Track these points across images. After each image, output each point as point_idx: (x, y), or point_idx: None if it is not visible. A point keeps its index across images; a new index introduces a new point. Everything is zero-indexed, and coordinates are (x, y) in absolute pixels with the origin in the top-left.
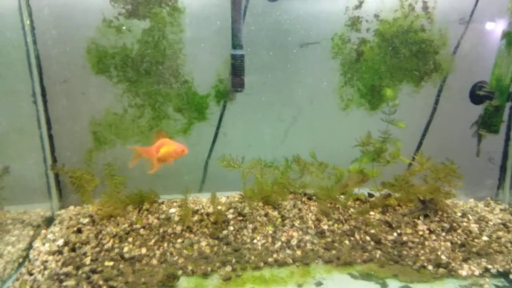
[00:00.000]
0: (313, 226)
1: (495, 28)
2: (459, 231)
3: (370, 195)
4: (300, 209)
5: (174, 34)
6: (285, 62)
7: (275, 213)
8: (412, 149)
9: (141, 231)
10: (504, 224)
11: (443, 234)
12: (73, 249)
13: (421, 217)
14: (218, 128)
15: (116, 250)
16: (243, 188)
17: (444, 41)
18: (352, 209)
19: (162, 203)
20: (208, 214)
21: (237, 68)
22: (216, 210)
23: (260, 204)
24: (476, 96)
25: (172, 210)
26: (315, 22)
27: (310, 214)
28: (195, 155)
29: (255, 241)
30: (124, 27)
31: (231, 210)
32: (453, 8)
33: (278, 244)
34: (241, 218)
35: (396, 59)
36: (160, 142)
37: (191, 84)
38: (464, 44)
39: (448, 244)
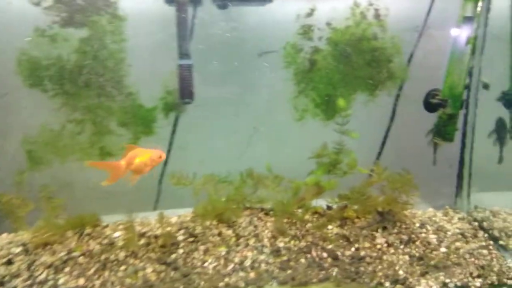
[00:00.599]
0: (268, 244)
1: (448, 35)
2: (418, 243)
3: (329, 208)
4: (256, 226)
5: (116, 44)
6: (238, 72)
7: (229, 232)
8: (372, 159)
9: (80, 259)
10: (462, 234)
11: (401, 246)
12: (1, 283)
13: (379, 230)
14: (171, 143)
15: (51, 283)
16: (194, 206)
17: (397, 49)
18: (309, 224)
19: (106, 226)
20: (156, 237)
21: (184, 79)
22: (164, 232)
23: (214, 222)
24: (430, 104)
25: (117, 234)
26: (268, 30)
27: (266, 231)
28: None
29: (206, 264)
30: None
31: (182, 231)
32: (406, 17)
33: (231, 266)
34: (192, 239)
35: (350, 68)
36: (133, 153)
37: (135, 97)
38: (418, 52)
39: (407, 257)
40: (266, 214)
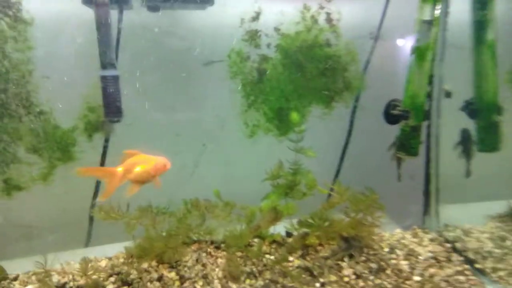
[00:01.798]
0: (219, 287)
1: (406, 42)
2: (388, 271)
3: (288, 235)
4: (204, 265)
5: (20, 53)
6: (177, 84)
7: (172, 274)
8: (331, 178)
9: None
10: (435, 258)
11: (371, 277)
12: None
13: (345, 258)
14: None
15: None
16: (126, 248)
17: (353, 57)
18: (267, 255)
19: (16, 278)
20: None
21: (109, 93)
22: (90, 281)
23: (153, 263)
24: (390, 116)
25: None
26: (210, 36)
27: (217, 269)
28: (71, 204)
29: None
30: None
31: (113, 278)
32: (360, 21)
33: None
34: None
35: (303, 78)
36: (133, 160)
37: (49, 116)
38: (374, 60)
39: None
40: (217, 247)
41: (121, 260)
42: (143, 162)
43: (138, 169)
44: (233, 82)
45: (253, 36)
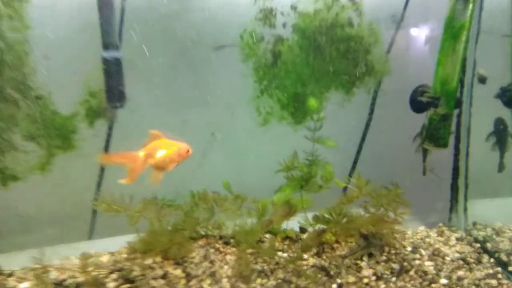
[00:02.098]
0: (228, 286)
1: (436, 22)
2: (412, 272)
3: (302, 230)
4: (212, 262)
5: (16, 32)
6: (186, 68)
7: (178, 272)
8: (346, 170)
9: None
10: (463, 260)
11: (393, 279)
12: None
13: (364, 258)
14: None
15: None
16: (128, 243)
17: (377, 38)
18: (280, 253)
19: (11, 275)
20: (78, 286)
21: (111, 76)
22: (89, 278)
23: (158, 259)
24: (418, 103)
25: (24, 286)
26: (220, 15)
27: (226, 267)
28: (71, 195)
29: None
30: None
31: (114, 275)
32: (382, 3)
33: None
34: (128, 285)
35: (321, 61)
36: (155, 145)
37: (47, 101)
38: (400, 41)
39: None
40: (226, 243)
41: (124, 255)
42: (165, 147)
43: (160, 155)
44: (245, 66)
45: (267, 15)
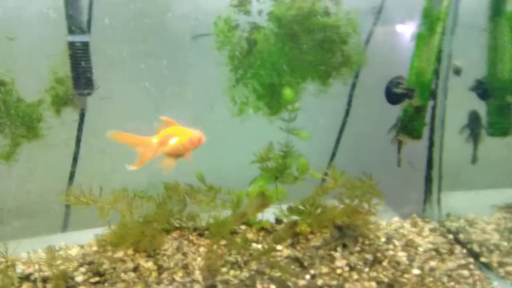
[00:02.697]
0: (200, 278)
1: (413, 12)
2: (385, 263)
3: (278, 221)
4: (185, 254)
5: None
6: (158, 54)
7: (149, 264)
8: (325, 161)
9: None
10: (436, 250)
11: (366, 269)
12: None
13: (338, 248)
14: (78, 145)
15: None
16: (96, 236)
17: (354, 28)
18: (254, 244)
19: None
20: (44, 280)
21: (78, 62)
22: (57, 272)
23: (129, 252)
24: (393, 95)
25: None
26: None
27: (199, 259)
28: (40, 186)
29: None
30: None
31: (83, 268)
32: None
33: None
34: (97, 279)
35: (298, 51)
36: (169, 132)
37: (10, 87)
38: (378, 33)
39: (373, 284)
40: (200, 235)
41: (94, 248)
42: (178, 134)
43: (173, 142)
44: (220, 54)
45: (242, 1)
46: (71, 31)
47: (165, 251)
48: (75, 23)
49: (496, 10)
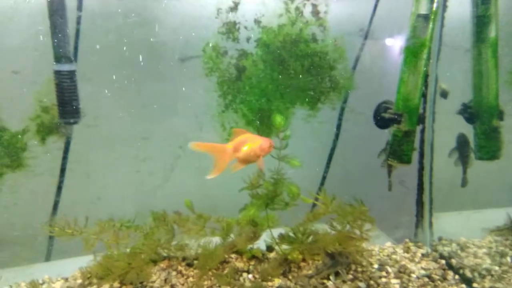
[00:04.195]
0: None
1: (399, 39)
2: None
3: (269, 249)
4: (173, 286)
5: None
6: (146, 81)
7: None
8: (315, 185)
9: None
10: (429, 277)
11: None
12: None
13: (331, 277)
14: (62, 174)
15: None
16: (81, 269)
17: (341, 54)
18: (245, 274)
19: None
20: None
21: (65, 91)
22: None
23: (116, 284)
24: (381, 119)
25: None
26: (182, 28)
27: None
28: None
29: None
30: None
31: None
32: (349, 15)
33: None
34: None
35: (286, 76)
36: (242, 139)
37: None
38: (365, 58)
39: None
40: (189, 265)
41: (79, 281)
42: (250, 141)
43: (245, 148)
44: (208, 80)
45: (231, 29)
46: (57, 60)
47: (152, 283)
48: (61, 51)
49: (480, 37)
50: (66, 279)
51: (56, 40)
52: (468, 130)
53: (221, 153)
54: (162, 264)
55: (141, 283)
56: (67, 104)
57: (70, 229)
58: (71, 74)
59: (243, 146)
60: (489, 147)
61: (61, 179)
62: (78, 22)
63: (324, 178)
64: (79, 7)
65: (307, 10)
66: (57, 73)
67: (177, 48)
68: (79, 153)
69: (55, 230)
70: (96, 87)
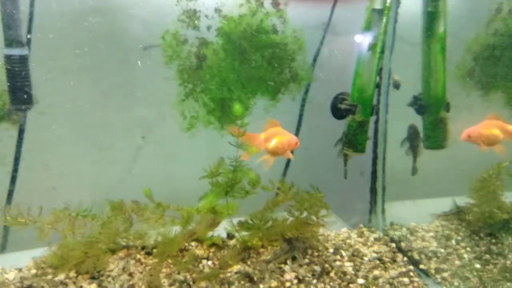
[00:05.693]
0: None
1: (356, 33)
2: (332, 274)
3: (230, 236)
4: (131, 274)
5: None
6: (103, 67)
7: (93, 286)
8: (279, 174)
9: None
10: (380, 259)
11: (314, 281)
12: None
13: (288, 261)
14: (16, 162)
15: None
16: (33, 259)
17: (300, 45)
18: (205, 261)
19: None
20: None
21: (16, 76)
22: None
23: (72, 274)
24: (337, 110)
25: None
26: (140, 14)
27: (146, 279)
28: None
29: None
30: None
31: None
32: (308, 12)
33: None
34: None
35: (247, 66)
36: (271, 132)
37: None
38: (324, 51)
39: None
40: (148, 254)
41: (33, 271)
42: (280, 135)
43: (275, 140)
44: (168, 68)
45: (191, 17)
46: (8, 44)
47: (110, 272)
48: (12, 35)
49: (429, 32)
50: (20, 270)
51: (5, 23)
52: (420, 122)
53: (253, 141)
54: (121, 253)
55: (98, 272)
56: (19, 90)
57: (23, 218)
58: (23, 58)
59: (273, 138)
60: (435, 137)
61: (15, 167)
62: (32, 5)
63: (287, 166)
64: None
65: (268, 1)
66: (8, 57)
67: (137, 36)
68: (33, 141)
69: (7, 219)
70: (51, 74)
